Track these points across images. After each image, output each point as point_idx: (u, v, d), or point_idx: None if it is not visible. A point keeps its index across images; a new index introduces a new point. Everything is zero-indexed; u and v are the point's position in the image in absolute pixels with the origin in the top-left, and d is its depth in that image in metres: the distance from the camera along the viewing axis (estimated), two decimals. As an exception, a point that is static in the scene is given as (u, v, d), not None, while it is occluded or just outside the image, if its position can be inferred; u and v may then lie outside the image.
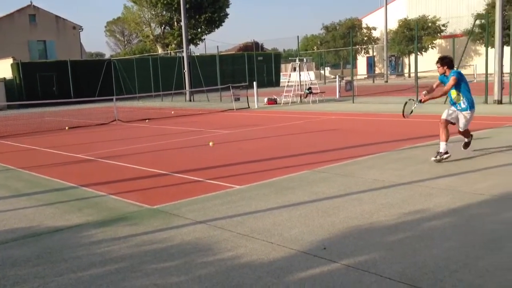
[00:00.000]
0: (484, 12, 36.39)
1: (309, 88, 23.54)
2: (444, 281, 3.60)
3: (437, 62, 8.13)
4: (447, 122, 7.98)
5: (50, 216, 5.95)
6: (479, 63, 34.77)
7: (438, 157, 7.79)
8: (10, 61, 36.41)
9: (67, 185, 7.71)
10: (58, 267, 4.28)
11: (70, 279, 4.01)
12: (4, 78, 35.05)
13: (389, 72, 48.03)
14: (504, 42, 17.73)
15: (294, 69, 25.39)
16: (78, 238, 5.07)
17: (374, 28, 53.62)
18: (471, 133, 8.46)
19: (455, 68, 8.29)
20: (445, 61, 8.03)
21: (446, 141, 7.83)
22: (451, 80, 7.81)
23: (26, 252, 4.69)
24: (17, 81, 35.24)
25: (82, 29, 51.50)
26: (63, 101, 24.73)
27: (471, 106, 7.99)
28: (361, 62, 57.97)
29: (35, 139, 14.83)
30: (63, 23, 49.47)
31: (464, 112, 8.00)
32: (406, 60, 52.36)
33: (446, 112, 8.04)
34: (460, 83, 7.86)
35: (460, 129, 8.18)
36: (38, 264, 4.37)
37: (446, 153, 7.77)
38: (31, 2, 47.19)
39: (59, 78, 36.30)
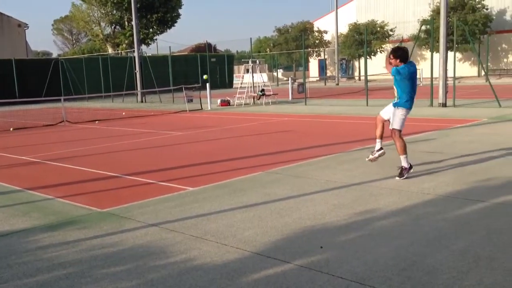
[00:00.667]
0: (429, 18, 37.79)
1: (262, 90, 23.67)
2: (393, 279, 3.70)
3: (391, 53, 7.21)
4: (382, 118, 7.58)
5: (-6, 221, 5.69)
6: (424, 68, 36.07)
7: (371, 156, 7.62)
8: (-51, 59, 34.64)
9: (12, 189, 7.40)
10: (3, 274, 4.10)
11: (16, 286, 3.85)
12: None
13: (340, 75, 49.03)
14: (448, 47, 18.45)
15: (247, 71, 25.47)
16: (24, 243, 4.88)
17: (326, 32, 54.57)
18: (403, 148, 7.22)
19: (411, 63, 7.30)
20: (398, 54, 7.08)
21: (379, 138, 7.57)
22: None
23: (-33, 259, 4.47)
24: (-44, 80, 33.54)
25: (28, 27, 49.62)
26: (7, 101, 23.71)
27: (399, 103, 7.18)
28: (313, 64, 58.87)
29: (-23, 140, 14.16)
30: (8, 20, 47.51)
31: (394, 108, 7.29)
32: (356, 64, 53.60)
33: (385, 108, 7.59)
34: (396, 78, 7.14)
35: (390, 126, 7.37)
36: (-20, 272, 4.17)
37: (379, 150, 7.51)
38: (-27, -2, 45.14)
39: (3, 77, 34.79)
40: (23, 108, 27.98)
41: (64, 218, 5.67)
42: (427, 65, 21.44)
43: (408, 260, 4.04)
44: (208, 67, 34.57)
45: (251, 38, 28.47)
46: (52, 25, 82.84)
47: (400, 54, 7.12)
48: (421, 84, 33.90)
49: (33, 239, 5.00)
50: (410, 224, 4.98)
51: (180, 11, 50.37)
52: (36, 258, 4.45)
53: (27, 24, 49.54)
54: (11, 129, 16.85)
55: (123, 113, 21.52)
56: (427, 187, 6.39)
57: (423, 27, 35.55)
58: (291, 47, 55.22)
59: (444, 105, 17.74)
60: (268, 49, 63.15)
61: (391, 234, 4.69)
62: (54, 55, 78.88)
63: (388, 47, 49.93)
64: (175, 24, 50.88)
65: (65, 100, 20.21)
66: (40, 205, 6.37)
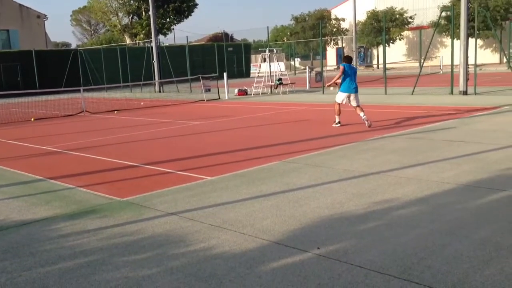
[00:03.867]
0: (449, 4, 37.12)
1: (279, 79, 23.59)
2: (412, 268, 3.68)
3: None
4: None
5: (17, 209, 5.81)
6: (445, 55, 35.50)
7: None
8: (-29, 50, 35.22)
9: (34, 178, 7.53)
10: (26, 262, 4.19)
11: (39, 274, 3.93)
12: (-35, 68, 33.92)
13: (358, 64, 48.53)
14: (469, 34, 18.10)
15: (264, 60, 25.38)
16: (47, 231, 4.97)
17: (343, 20, 53.98)
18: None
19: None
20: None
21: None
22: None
23: (-8, 247, 4.57)
24: (-21, 71, 34.13)
25: (47, 18, 50.00)
26: (28, 92, 24.06)
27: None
28: (331, 53, 58.36)
29: (-1, 131, 14.42)
30: (27, 11, 47.97)
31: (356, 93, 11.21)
32: (374, 52, 53.02)
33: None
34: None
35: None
36: (5, 259, 4.27)
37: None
38: (-8, -10, 45.62)
39: (24, 68, 35.30)
40: (43, 98, 28.37)
41: (85, 207, 5.76)
42: (448, 52, 21.11)
43: (427, 249, 4.01)
44: (225, 57, 34.58)
45: (268, 27, 28.36)
46: (71, 16, 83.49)
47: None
48: (441, 72, 33.44)
49: (55, 227, 5.09)
50: (430, 213, 4.95)
51: (196, 0, 50.31)
52: (58, 246, 4.54)
53: (46, 15, 49.96)
54: (32, 119, 17.11)
55: (142, 103, 21.67)
56: (447, 176, 6.32)
57: (444, 14, 34.90)
58: (308, 35, 54.80)
59: (465, 93, 17.47)
60: (285, 38, 62.78)
61: (410, 224, 4.66)
62: (73, 46, 79.50)
63: (408, 34, 49.32)
64: (192, 14, 50.93)
65: (84, 90, 20.43)
66: (61, 194, 6.47)
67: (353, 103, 11.06)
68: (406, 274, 3.58)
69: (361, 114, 10.86)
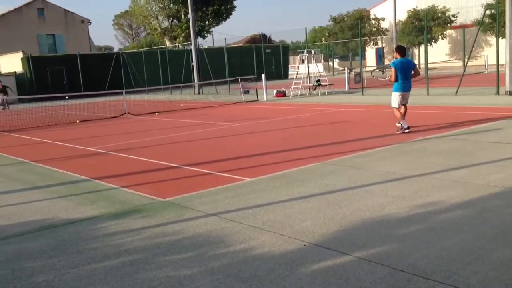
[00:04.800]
0: (494, 2, 35.97)
1: (318, 80, 23.45)
2: (457, 273, 3.59)
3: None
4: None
5: (64, 208, 6.01)
6: (490, 54, 34.43)
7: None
8: (20, 55, 36.64)
9: (80, 178, 7.77)
10: (73, 259, 4.33)
11: (85, 271, 4.06)
12: (15, 72, 35.29)
13: (398, 64, 47.65)
14: (516, 32, 17.47)
15: (303, 61, 25.31)
16: (92, 230, 5.12)
17: (383, 19, 53.17)
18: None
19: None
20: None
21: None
22: None
23: (42, 245, 4.75)
24: (27, 75, 35.47)
25: (91, 22, 51.63)
26: (73, 95, 24.82)
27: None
28: (370, 53, 57.59)
29: (46, 132, 14.95)
30: (72, 16, 49.59)
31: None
32: (415, 51, 51.96)
33: None
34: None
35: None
36: (53, 256, 4.43)
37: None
38: (39, -4, 47.32)
39: (69, 71, 36.48)
40: (87, 101, 29.20)
41: (129, 207, 5.90)
42: (493, 51, 20.47)
43: (473, 254, 3.91)
44: (263, 58, 34.67)
45: (306, 28, 28.32)
46: (113, 20, 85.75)
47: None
48: (486, 72, 32.45)
49: (100, 226, 5.24)
50: (476, 217, 4.81)
51: (235, 2, 50.70)
52: (104, 244, 4.67)
53: (89, 20, 51.54)
54: (77, 121, 17.65)
55: (181, 105, 21.99)
56: (493, 179, 6.13)
57: (488, 12, 33.87)
58: (347, 36, 54.25)
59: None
60: (323, 38, 62.36)
61: (455, 227, 4.55)
62: (116, 50, 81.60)
63: (450, 33, 48.12)
64: (230, 16, 51.26)
65: (126, 93, 20.91)
66: (106, 194, 6.65)
67: (403, 103, 10.23)
68: (451, 280, 3.50)
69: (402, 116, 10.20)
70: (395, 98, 10.19)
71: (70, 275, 3.99)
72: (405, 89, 10.10)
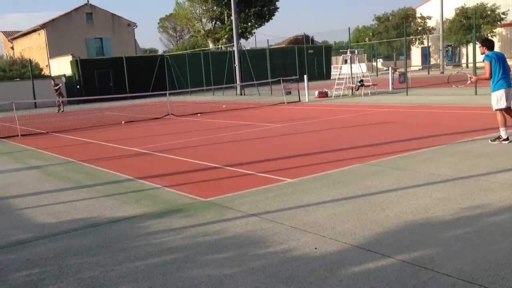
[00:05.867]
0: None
1: (361, 81, 23.14)
2: (505, 278, 3.46)
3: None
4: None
5: (109, 207, 6.18)
6: (542, 52, 33.02)
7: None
8: (69, 58, 37.98)
9: (124, 178, 7.97)
10: (117, 256, 4.45)
11: (129, 268, 4.16)
12: (64, 75, 36.62)
13: (445, 63, 46.43)
14: None
15: (345, 62, 25.03)
16: (136, 228, 5.24)
17: (429, 18, 51.92)
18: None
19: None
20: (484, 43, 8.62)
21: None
22: None
23: (87, 242, 4.90)
24: (76, 78, 36.70)
25: (136, 26, 52.81)
26: (119, 96, 25.53)
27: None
28: (415, 53, 56.33)
29: (93, 133, 15.41)
30: (118, 20, 50.92)
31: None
32: (463, 50, 50.44)
33: None
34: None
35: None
36: (98, 254, 4.56)
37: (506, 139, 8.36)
38: (88, 1, 48.83)
39: (115, 74, 37.52)
40: (133, 102, 29.91)
41: (171, 206, 6.00)
42: (546, 49, 19.59)
43: (522, 259, 3.76)
44: (306, 59, 34.49)
45: (349, 28, 27.93)
46: (158, 23, 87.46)
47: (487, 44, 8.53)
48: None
49: (143, 225, 5.36)
50: (525, 221, 4.62)
51: (277, 3, 50.72)
52: (146, 242, 4.77)
53: (135, 23, 52.75)
54: (122, 122, 18.12)
55: (224, 106, 22.19)
56: (545, 182, 5.88)
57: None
58: (391, 35, 53.29)
59: None
60: (367, 38, 61.47)
61: (503, 231, 4.38)
62: (160, 52, 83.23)
63: (500, 31, 46.42)
64: (273, 17, 51.31)
65: (170, 94, 21.29)
66: (149, 193, 6.79)
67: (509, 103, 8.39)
68: (498, 285, 3.38)
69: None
70: (495, 98, 8.42)
71: (114, 272, 4.10)
72: (508, 84, 8.27)
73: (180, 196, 6.49)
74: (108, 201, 6.49)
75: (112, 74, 37.55)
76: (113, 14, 50.68)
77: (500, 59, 8.31)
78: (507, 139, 8.41)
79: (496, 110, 8.52)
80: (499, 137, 8.53)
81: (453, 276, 3.56)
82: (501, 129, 8.48)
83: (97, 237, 5.04)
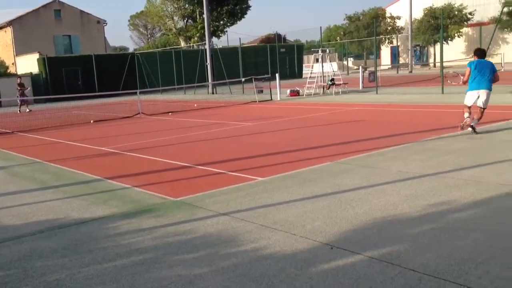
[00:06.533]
0: (512, -1, 35.41)
1: (332, 79, 23.36)
2: (469, 273, 3.54)
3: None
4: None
5: (76, 208, 6.06)
6: (507, 52, 33.97)
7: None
8: (36, 56, 37.12)
9: (93, 178, 7.84)
10: (85, 258, 4.37)
11: (96, 270, 4.08)
12: (31, 73, 35.77)
13: (413, 62, 47.29)
14: (533, 30, 17.21)
15: (317, 60, 25.22)
16: (104, 229, 5.16)
17: (399, 17, 52.78)
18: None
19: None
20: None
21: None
22: None
23: (53, 244, 4.79)
24: (43, 76, 35.90)
25: (106, 23, 51.95)
26: (88, 95, 25.10)
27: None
28: (385, 52, 57.21)
29: (60, 132, 15.11)
30: (88, 17, 50.02)
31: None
32: (431, 50, 51.46)
33: None
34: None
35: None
36: (65, 256, 4.46)
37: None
38: (56, -3, 47.80)
39: (84, 72, 36.85)
40: (102, 101, 29.47)
41: (141, 206, 5.93)
42: (510, 49, 20.16)
43: (486, 253, 3.85)
44: (278, 58, 34.61)
45: (321, 27, 28.10)
46: (129, 20, 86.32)
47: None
48: (502, 70, 31.99)
49: (112, 226, 5.27)
50: (489, 217, 4.74)
51: (249, 2, 50.77)
52: (115, 244, 4.70)
53: (105, 21, 51.92)
54: (91, 121, 17.81)
55: (195, 105, 22.07)
56: (507, 179, 6.04)
57: (506, 9, 33.36)
58: (362, 35, 53.98)
59: (528, 91, 16.59)
60: (338, 37, 62.10)
61: (468, 227, 4.48)
62: (131, 50, 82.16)
63: (467, 31, 47.52)
64: (245, 16, 51.33)
65: (140, 93, 21.05)
66: (118, 193, 6.69)
67: (480, 103, 9.43)
68: (463, 279, 3.45)
69: (475, 119, 9.47)
70: (466, 96, 9.67)
71: (81, 274, 4.02)
72: (478, 87, 9.40)
73: (150, 196, 6.41)
74: (75, 202, 6.36)
75: (80, 72, 36.87)
76: (82, 11, 49.76)
77: (482, 65, 9.43)
78: (473, 128, 9.44)
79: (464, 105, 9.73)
80: (464, 122, 9.58)
81: (419, 272, 3.62)
82: (465, 114, 9.57)
83: (63, 239, 4.94)
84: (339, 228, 4.68)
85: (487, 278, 3.44)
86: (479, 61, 9.48)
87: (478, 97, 9.38)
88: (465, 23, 46.05)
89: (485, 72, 9.36)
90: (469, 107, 9.51)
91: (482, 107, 9.44)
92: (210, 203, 5.84)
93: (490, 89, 9.39)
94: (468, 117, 9.46)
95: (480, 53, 9.70)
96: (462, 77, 10.02)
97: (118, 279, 3.88)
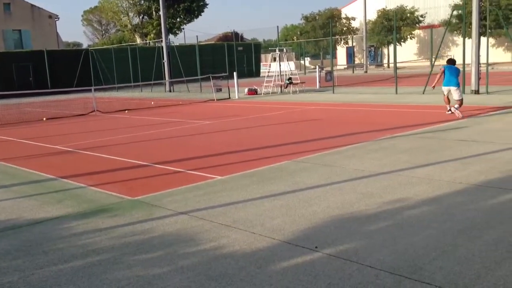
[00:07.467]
0: (461, 2, 36.80)
1: (290, 79, 23.55)
2: (423, 268, 3.66)
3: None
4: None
5: (29, 208, 5.86)
6: (456, 54, 35.25)
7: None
8: (-16, 50, 35.57)
9: (46, 177, 7.60)
10: (39, 260, 4.23)
11: (51, 272, 3.97)
12: (-21, 68, 34.27)
13: (368, 63, 48.31)
14: (481, 33, 17.95)
15: (274, 59, 25.36)
16: (59, 230, 5.02)
17: (354, 18, 53.75)
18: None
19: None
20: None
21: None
22: None
23: (5, 245, 4.63)
24: (-9, 71, 34.45)
25: (59, 18, 50.38)
26: (40, 92, 24.29)
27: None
28: (341, 52, 58.17)
29: (12, 130, 14.57)
30: (39, 12, 48.38)
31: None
32: (385, 51, 52.72)
33: None
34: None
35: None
36: (17, 257, 4.32)
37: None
38: (5, -9, 45.99)
39: (36, 68, 35.62)
40: (55, 98, 28.60)
41: (97, 206, 5.80)
42: (459, 51, 20.94)
43: (439, 249, 3.99)
44: (235, 56, 34.60)
45: (278, 27, 28.31)
46: (82, 16, 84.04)
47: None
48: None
49: (67, 226, 5.13)
50: (441, 213, 4.92)
51: (206, 0, 50.44)
52: (70, 244, 4.58)
53: (57, 16, 50.36)
54: (44, 119, 17.25)
55: (152, 103, 21.76)
56: (458, 176, 6.28)
57: (455, 12, 34.61)
58: (318, 35, 54.65)
59: (477, 92, 17.32)
60: (295, 37, 62.66)
61: (422, 224, 4.63)
62: (84, 46, 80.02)
63: (419, 33, 48.96)
64: (202, 13, 51.06)
65: (95, 90, 20.56)
66: (73, 193, 6.52)
67: (454, 96, 12.20)
68: (417, 275, 3.57)
69: (456, 106, 11.97)
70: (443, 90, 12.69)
71: (35, 276, 3.90)
72: (448, 84, 12.35)
73: (107, 195, 6.29)
74: (28, 202, 6.16)
75: (32, 68, 35.60)
76: (32, 5, 48.08)
77: (452, 69, 12.38)
78: (456, 109, 11.94)
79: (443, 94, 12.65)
80: (449, 110, 12.35)
81: (376, 268, 3.71)
82: (446, 105, 12.53)
83: (16, 240, 4.77)
84: (298, 226, 4.74)
85: (440, 273, 3.57)
86: (450, 66, 12.49)
87: (449, 91, 12.31)
88: (417, 25, 47.41)
89: (452, 73, 12.38)
90: (446, 96, 12.52)
91: (457, 99, 12.09)
92: (168, 202, 5.78)
93: (457, 85, 12.24)
94: (448, 103, 12.49)
95: (451, 61, 12.74)
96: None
97: (74, 280, 3.78)
